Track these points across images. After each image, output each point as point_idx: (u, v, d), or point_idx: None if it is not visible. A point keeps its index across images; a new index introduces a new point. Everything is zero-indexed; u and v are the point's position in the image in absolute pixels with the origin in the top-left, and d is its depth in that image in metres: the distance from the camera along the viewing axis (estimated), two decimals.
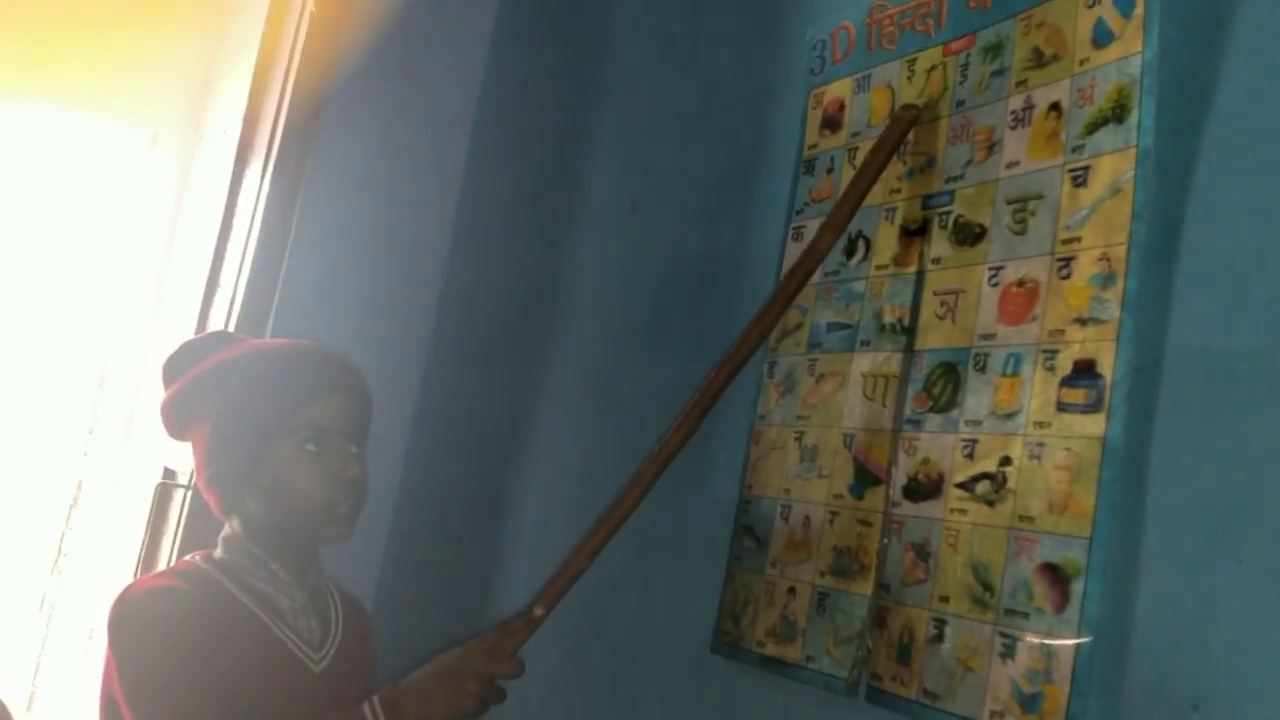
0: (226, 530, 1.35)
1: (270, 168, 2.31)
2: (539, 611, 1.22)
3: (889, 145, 1.35)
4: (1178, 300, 1.04)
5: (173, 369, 1.38)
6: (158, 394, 1.39)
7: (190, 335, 1.45)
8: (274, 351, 1.40)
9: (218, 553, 1.34)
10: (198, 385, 1.35)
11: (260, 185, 2.33)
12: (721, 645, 1.46)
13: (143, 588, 1.27)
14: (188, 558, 1.36)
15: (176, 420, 1.37)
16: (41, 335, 3.95)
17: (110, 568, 2.82)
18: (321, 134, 2.32)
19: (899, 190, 1.38)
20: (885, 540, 1.27)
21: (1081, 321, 1.10)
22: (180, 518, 2.20)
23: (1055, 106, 1.18)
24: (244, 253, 2.31)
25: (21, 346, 3.99)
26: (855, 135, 1.48)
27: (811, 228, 1.50)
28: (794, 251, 1.53)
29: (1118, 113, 1.10)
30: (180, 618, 1.23)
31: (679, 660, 1.54)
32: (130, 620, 1.23)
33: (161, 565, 2.22)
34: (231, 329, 2.26)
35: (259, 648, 1.28)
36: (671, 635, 1.56)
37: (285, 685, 1.28)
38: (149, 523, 2.32)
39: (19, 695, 3.73)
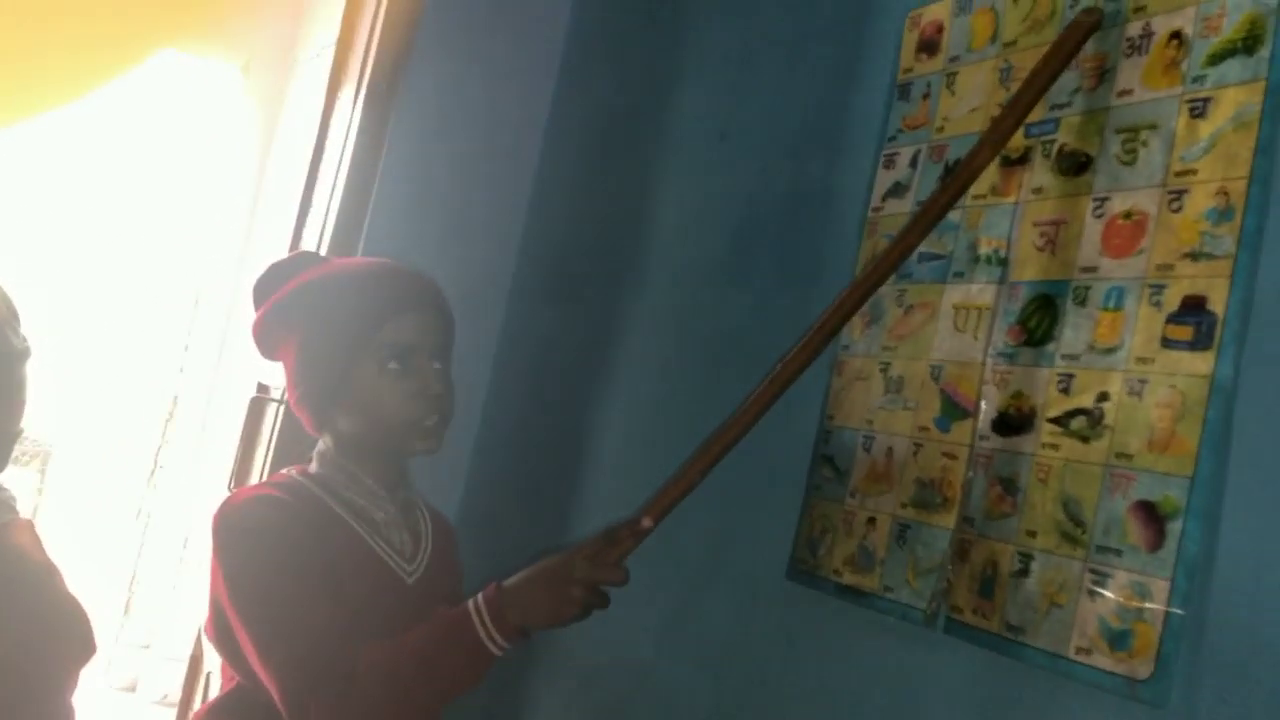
0: (320, 446, 1.37)
1: (363, 91, 2.31)
2: (647, 523, 1.19)
3: (1064, 54, 1.22)
4: None
5: (261, 290, 1.39)
6: (249, 315, 1.41)
7: (279, 257, 1.45)
8: (354, 270, 1.41)
9: (313, 467, 1.36)
10: (284, 306, 1.36)
11: (353, 109, 2.33)
12: (797, 573, 1.47)
13: (244, 497, 1.30)
14: (283, 471, 1.39)
15: (265, 341, 1.39)
16: (142, 258, 4.04)
17: (205, 480, 2.88)
18: (413, 58, 2.31)
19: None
20: (970, 473, 1.25)
21: (1193, 256, 1.07)
22: (273, 432, 2.24)
23: (1176, 35, 1.13)
24: (336, 176, 2.32)
25: (123, 269, 4.08)
26: (954, 60, 1.44)
27: (905, 155, 1.47)
28: (884, 180, 1.50)
29: (1248, 44, 1.06)
30: (281, 524, 1.25)
31: (754, 587, 1.54)
32: (233, 527, 1.26)
33: (255, 478, 2.27)
34: (323, 251, 2.28)
35: (355, 557, 1.30)
36: (748, 562, 1.57)
37: (380, 595, 1.30)
38: (243, 436, 2.36)
39: (116, 602, 3.86)
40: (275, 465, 2.15)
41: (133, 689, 3.84)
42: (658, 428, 1.87)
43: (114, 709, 3.74)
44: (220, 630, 1.28)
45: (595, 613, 1.20)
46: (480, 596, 1.19)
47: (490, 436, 2.39)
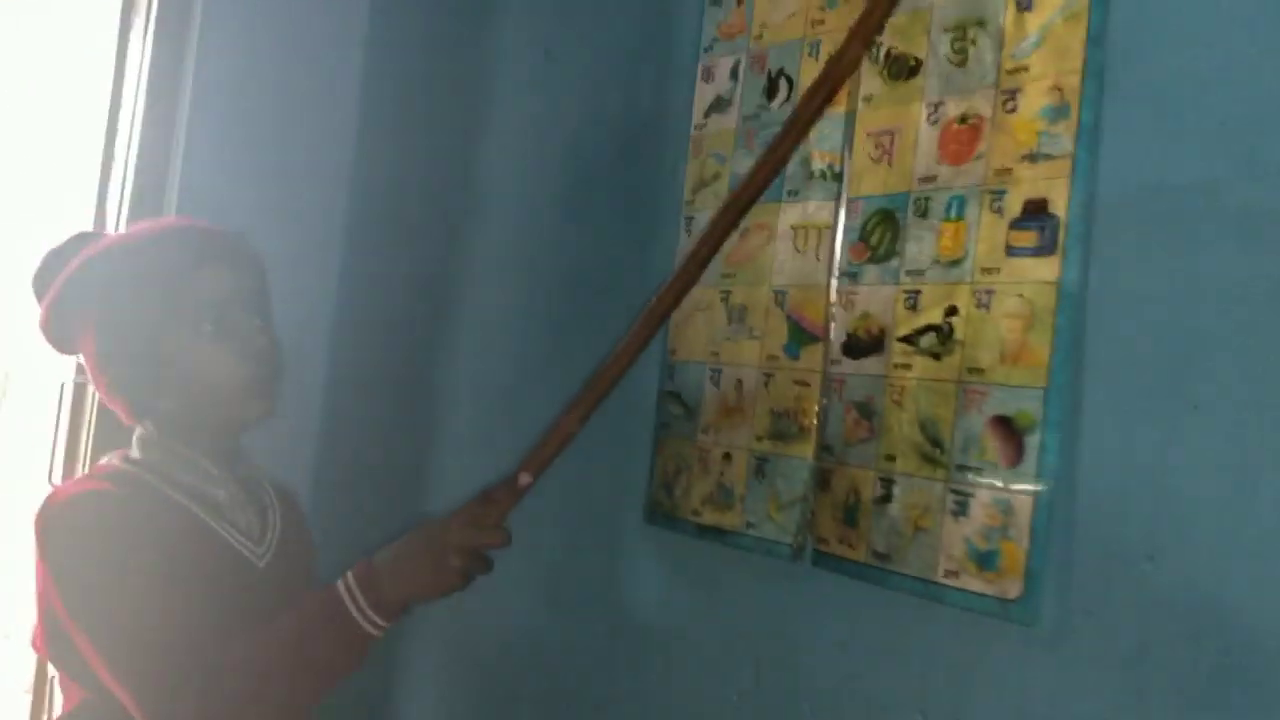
0: (139, 431, 1.24)
1: (151, 27, 2.08)
2: (525, 479, 1.12)
3: None
4: (1131, 133, 0.97)
5: (42, 280, 1.25)
6: (34, 312, 1.25)
7: (53, 244, 1.29)
8: (139, 234, 1.27)
9: (135, 453, 1.23)
10: (70, 290, 1.22)
11: (143, 50, 2.10)
12: (656, 516, 1.41)
13: (66, 495, 1.16)
14: (105, 460, 1.25)
15: (57, 334, 1.24)
16: None
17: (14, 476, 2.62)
18: None
19: (822, 21, 1.28)
20: (825, 400, 1.21)
21: (1031, 158, 1.03)
22: (92, 419, 2.04)
23: None
24: (131, 129, 2.09)
25: None
26: None
27: (724, 66, 1.40)
28: (705, 94, 1.42)
29: None
30: (113, 518, 1.13)
31: (615, 533, 1.48)
32: (60, 528, 1.12)
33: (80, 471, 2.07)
34: (125, 217, 2.06)
35: (200, 545, 1.19)
36: (606, 508, 1.51)
37: (232, 583, 1.19)
38: (60, 426, 2.13)
39: None
40: (98, 455, 1.97)
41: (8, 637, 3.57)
42: (509, 368, 1.78)
43: None
44: (57, 642, 1.15)
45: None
46: (350, 575, 1.09)
47: (337, 398, 2.25)
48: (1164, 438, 0.93)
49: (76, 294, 1.21)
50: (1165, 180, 0.95)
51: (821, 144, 1.25)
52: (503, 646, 1.70)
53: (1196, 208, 0.93)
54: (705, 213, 1.39)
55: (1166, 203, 0.95)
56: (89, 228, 2.14)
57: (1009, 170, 1.04)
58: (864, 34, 1.11)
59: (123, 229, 1.34)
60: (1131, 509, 0.94)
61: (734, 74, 1.38)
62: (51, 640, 1.16)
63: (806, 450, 1.22)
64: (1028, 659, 0.99)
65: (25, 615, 1.20)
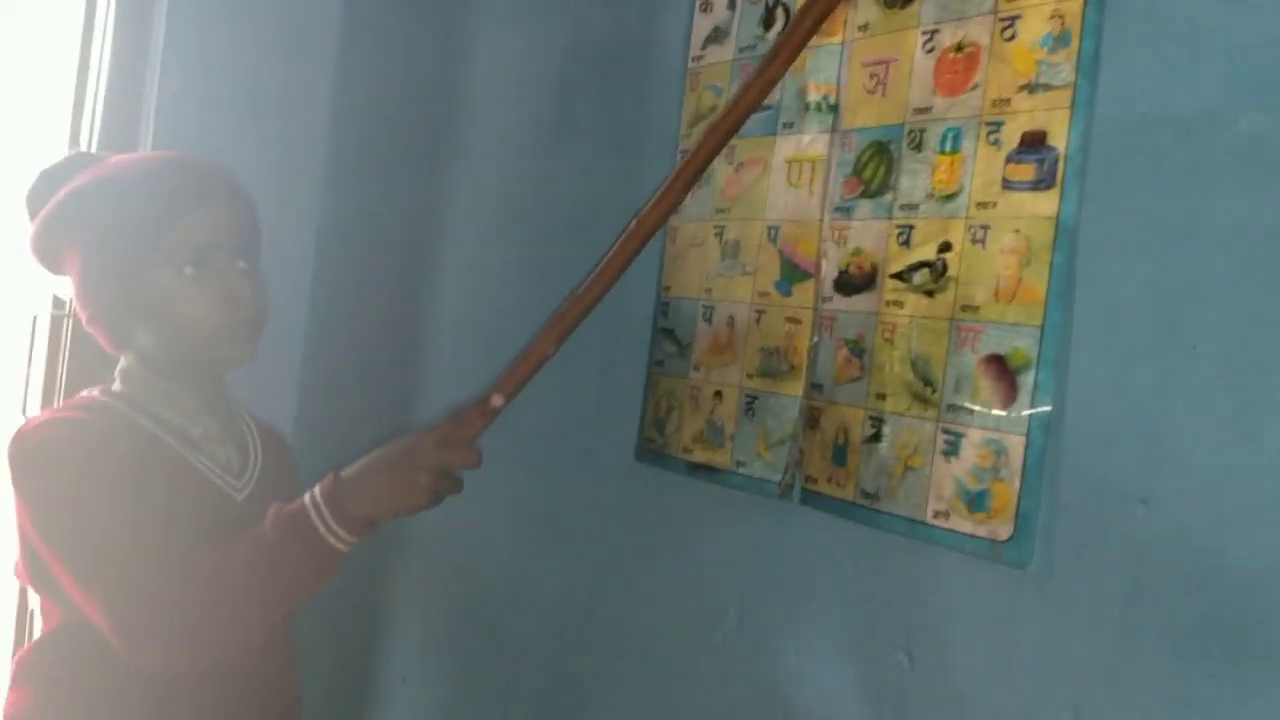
0: (123, 363, 1.24)
1: None
2: (497, 401, 1.09)
3: None
4: (1132, 62, 0.94)
5: (35, 200, 1.24)
6: (24, 228, 1.25)
7: (50, 162, 1.28)
8: (134, 167, 1.25)
9: (115, 386, 1.23)
10: (60, 215, 1.20)
11: None
12: (646, 453, 1.40)
13: (39, 421, 1.16)
14: (84, 393, 1.25)
15: (46, 255, 1.23)
16: None
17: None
18: None
19: None
20: (816, 338, 1.19)
21: (1029, 89, 0.99)
22: (65, 350, 2.03)
23: None
24: (101, 55, 2.06)
25: None
26: None
27: None
28: (702, 25, 1.38)
29: None
30: (85, 444, 1.12)
31: (604, 469, 1.47)
32: (32, 457, 1.12)
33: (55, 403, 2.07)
34: (95, 145, 2.04)
35: (176, 478, 1.18)
36: (595, 444, 1.49)
37: (208, 515, 1.19)
38: (34, 358, 2.13)
39: None
40: (73, 390, 1.96)
41: None
42: (492, 305, 1.76)
43: None
44: (33, 567, 1.15)
45: (451, 502, 1.11)
46: (317, 488, 1.09)
47: (319, 333, 2.23)
48: (1161, 379, 0.90)
49: (65, 218, 1.20)
50: (1168, 111, 0.91)
51: (816, 75, 1.22)
52: (490, 582, 1.70)
53: (1200, 139, 0.89)
54: None
55: (1168, 134, 0.91)
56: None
57: (1007, 101, 1.01)
58: None
59: (118, 155, 1.31)
60: (1127, 451, 0.92)
61: (731, 4, 1.34)
62: (29, 565, 1.16)
63: (796, 388, 1.20)
64: (1016, 601, 0.98)
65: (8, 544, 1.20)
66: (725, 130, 1.09)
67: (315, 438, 2.14)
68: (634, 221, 1.11)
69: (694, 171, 1.10)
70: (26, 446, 1.13)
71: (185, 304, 1.18)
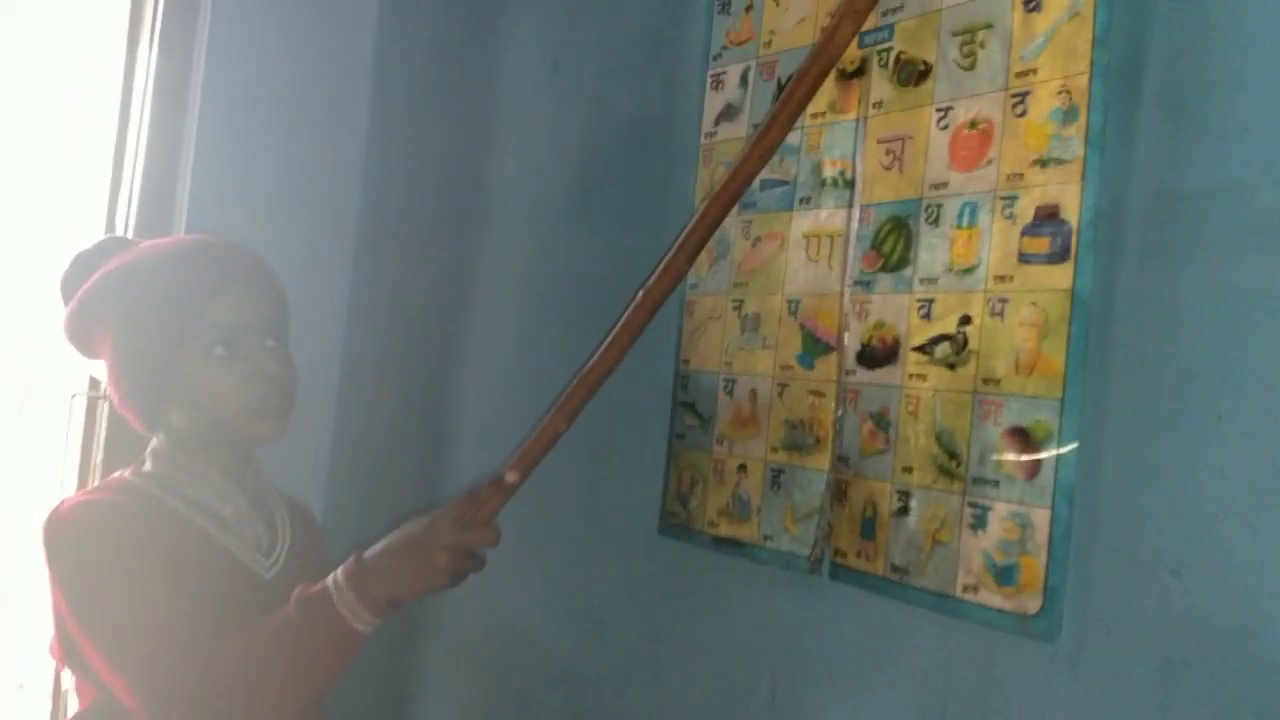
0: (154, 444, 1.26)
1: (156, 40, 2.09)
2: (512, 477, 1.10)
3: None
4: (1144, 135, 0.95)
5: (69, 284, 1.28)
6: (59, 312, 1.29)
7: (83, 247, 1.32)
8: (165, 251, 1.29)
9: (146, 466, 1.25)
10: (93, 298, 1.24)
11: (150, 62, 2.11)
12: (669, 527, 1.40)
13: (73, 503, 1.19)
14: (116, 474, 1.28)
15: (80, 338, 1.27)
16: None
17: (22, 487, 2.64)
18: (214, 4, 2.09)
19: None
20: (840, 411, 1.19)
21: (1042, 163, 1.01)
22: (100, 432, 2.06)
23: None
24: (138, 142, 2.11)
25: None
26: None
27: (734, 74, 1.38)
28: (715, 102, 1.41)
29: None
30: (118, 531, 1.15)
31: (628, 545, 1.47)
32: (66, 538, 1.15)
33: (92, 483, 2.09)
34: (132, 231, 2.08)
35: (206, 560, 1.20)
36: (620, 519, 1.49)
37: (237, 595, 1.20)
38: (69, 437, 2.15)
39: None
40: (109, 470, 1.99)
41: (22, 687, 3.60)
42: (518, 379, 1.78)
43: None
44: (67, 646, 1.17)
45: (472, 578, 1.12)
46: (339, 571, 1.10)
47: (350, 409, 2.25)
48: (1188, 449, 0.90)
49: (98, 302, 1.24)
50: (1184, 184, 0.92)
51: (832, 151, 1.24)
52: (517, 658, 1.70)
53: (1217, 212, 0.90)
54: None
55: (1185, 207, 0.92)
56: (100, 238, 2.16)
57: (1020, 175, 1.02)
58: (855, 12, 1.10)
59: (150, 239, 1.35)
60: (1155, 522, 0.91)
61: (744, 81, 1.37)
62: (62, 645, 1.18)
63: (823, 462, 1.20)
64: (1048, 675, 0.97)
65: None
66: (727, 199, 1.12)
67: (346, 512, 2.16)
68: (640, 293, 1.13)
69: (698, 241, 1.12)
70: (60, 528, 1.15)
71: (216, 384, 1.20)
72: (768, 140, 1.10)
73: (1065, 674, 0.95)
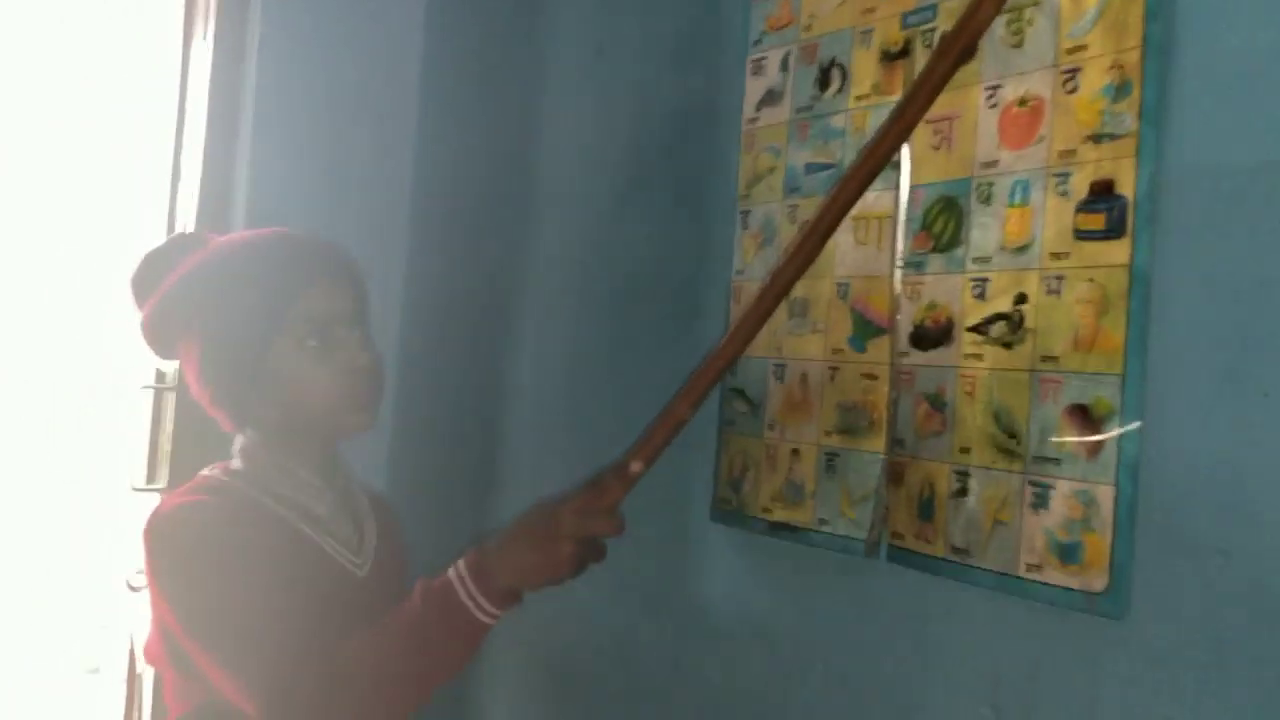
0: (241, 441, 1.25)
1: (210, 36, 2.11)
2: (636, 467, 1.07)
3: None
4: (1197, 110, 0.94)
5: (143, 284, 1.25)
6: (132, 314, 1.26)
7: (153, 245, 1.30)
8: (250, 246, 1.26)
9: (236, 464, 1.24)
10: (176, 298, 1.22)
11: (207, 60, 2.13)
12: (721, 514, 1.40)
13: (170, 506, 1.17)
14: (205, 472, 1.26)
15: (160, 339, 1.25)
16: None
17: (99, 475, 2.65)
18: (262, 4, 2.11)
19: (873, 10, 1.25)
20: (895, 393, 1.19)
21: (1095, 139, 1.00)
22: (170, 423, 2.08)
23: None
24: (197, 138, 2.13)
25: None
26: None
27: (774, 59, 1.38)
28: (755, 88, 1.41)
29: None
30: (215, 531, 1.13)
31: (681, 531, 1.48)
32: (164, 541, 1.13)
33: (162, 476, 2.11)
34: (193, 223, 2.10)
35: (303, 557, 1.19)
36: (671, 505, 1.50)
37: (335, 593, 1.20)
38: (139, 430, 2.17)
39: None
40: (177, 460, 2.01)
41: (97, 670, 3.66)
42: (571, 367, 1.78)
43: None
44: (172, 652, 1.16)
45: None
46: (462, 563, 1.09)
47: (409, 402, 2.26)
48: (1235, 426, 0.90)
49: (182, 301, 1.22)
50: (1236, 160, 0.92)
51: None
52: (574, 645, 1.71)
53: (1269, 188, 0.89)
54: (761, 206, 1.38)
55: (1237, 183, 0.91)
56: (161, 235, 2.19)
57: (1073, 152, 1.02)
58: None
59: (219, 235, 1.34)
60: (1203, 501, 0.91)
61: (784, 66, 1.36)
62: (168, 650, 1.17)
63: (878, 444, 1.21)
64: (1101, 654, 0.97)
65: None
66: (861, 179, 1.02)
67: (403, 505, 2.17)
68: (769, 278, 1.07)
69: (830, 222, 1.04)
70: (163, 532, 1.14)
71: (311, 376, 1.19)
72: (906, 119, 1.00)
73: (1121, 651, 0.95)
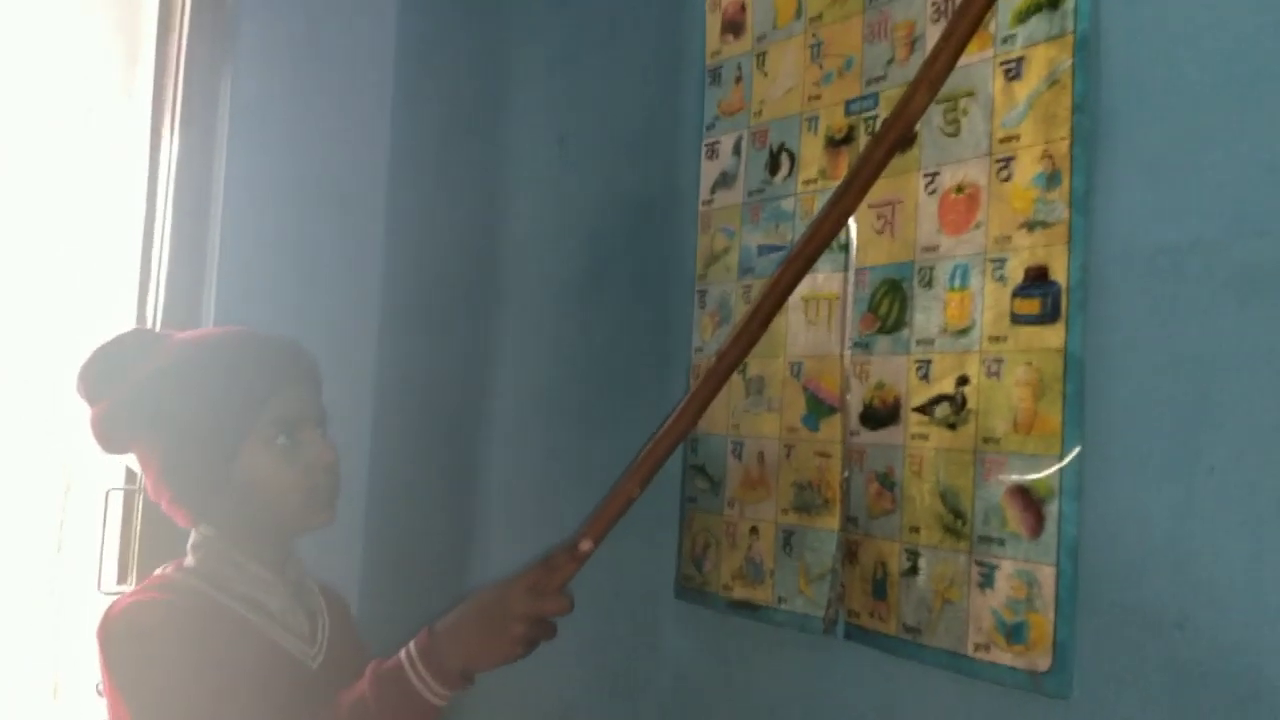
0: (195, 538, 1.25)
1: (177, 126, 2.14)
2: (586, 545, 1.09)
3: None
4: (1126, 196, 0.97)
5: (96, 382, 1.24)
6: (82, 409, 1.25)
7: (103, 340, 1.28)
8: (217, 348, 1.26)
9: (189, 561, 1.24)
10: (133, 398, 1.22)
11: (171, 147, 2.16)
12: (685, 591, 1.41)
13: (125, 605, 1.17)
14: (159, 571, 1.27)
15: (113, 438, 1.24)
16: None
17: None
18: (233, 87, 2.14)
19: (818, 97, 1.29)
20: (847, 472, 1.21)
21: (1029, 226, 1.03)
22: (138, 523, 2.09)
23: None
24: (163, 230, 2.16)
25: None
26: (761, 39, 1.37)
27: (727, 143, 1.41)
28: (710, 171, 1.44)
29: None
30: (172, 631, 1.14)
31: (646, 609, 1.49)
32: (120, 643, 1.14)
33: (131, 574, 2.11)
34: (160, 317, 2.11)
35: (256, 653, 1.20)
36: (637, 584, 1.51)
37: (289, 686, 1.20)
38: (106, 530, 2.15)
39: (43, 686, 3.60)
40: (144, 563, 2.00)
41: None
42: (543, 452, 1.79)
43: None
44: None
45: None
46: (413, 644, 1.10)
47: (380, 492, 2.27)
48: (1183, 501, 0.92)
49: (144, 400, 1.21)
50: (1165, 242, 0.94)
51: None
52: (550, 713, 1.71)
53: (1197, 269, 0.92)
54: (717, 286, 1.40)
55: (1167, 264, 0.94)
56: (130, 324, 2.19)
57: (1008, 238, 1.05)
58: (931, 80, 1.02)
59: (182, 332, 1.34)
60: (1157, 575, 0.93)
61: (737, 150, 1.40)
62: None
63: (832, 522, 1.22)
64: None
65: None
66: (802, 263, 1.08)
67: (380, 595, 2.17)
68: (715, 359, 1.12)
69: (772, 305, 1.10)
70: (116, 630, 1.14)
71: (277, 473, 1.21)
72: (844, 205, 1.06)
73: None
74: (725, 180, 1.42)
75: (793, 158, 1.32)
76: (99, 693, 1.26)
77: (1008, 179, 1.05)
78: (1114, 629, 0.95)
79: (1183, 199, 0.94)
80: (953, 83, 1.11)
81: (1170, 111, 0.95)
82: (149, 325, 2.16)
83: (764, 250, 1.34)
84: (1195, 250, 0.92)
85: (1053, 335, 1.00)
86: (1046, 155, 1.02)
